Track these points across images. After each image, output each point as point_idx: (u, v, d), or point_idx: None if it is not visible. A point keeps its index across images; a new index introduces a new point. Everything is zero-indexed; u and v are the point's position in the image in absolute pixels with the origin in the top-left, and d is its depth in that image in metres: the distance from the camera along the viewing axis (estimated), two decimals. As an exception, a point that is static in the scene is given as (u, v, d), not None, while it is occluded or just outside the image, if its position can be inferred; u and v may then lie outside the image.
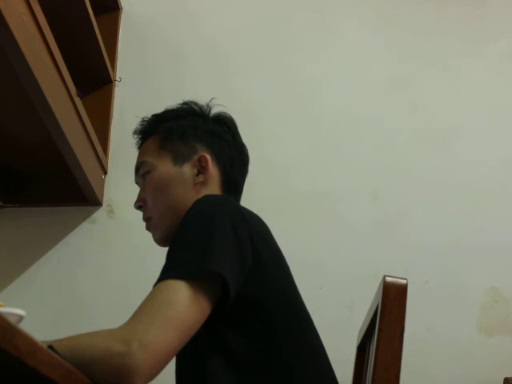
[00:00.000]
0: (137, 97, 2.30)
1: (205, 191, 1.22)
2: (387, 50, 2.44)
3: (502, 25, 2.48)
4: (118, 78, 2.31)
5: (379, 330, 1.00)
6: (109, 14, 2.36)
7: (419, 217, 2.23)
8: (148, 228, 1.27)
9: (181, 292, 0.94)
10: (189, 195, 1.21)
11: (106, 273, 2.11)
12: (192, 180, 1.23)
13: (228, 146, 1.29)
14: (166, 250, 1.06)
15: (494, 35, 2.46)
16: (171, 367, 1.05)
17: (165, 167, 1.24)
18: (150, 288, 0.97)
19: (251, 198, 1.44)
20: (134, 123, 1.35)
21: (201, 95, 1.36)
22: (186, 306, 0.93)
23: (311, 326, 1.15)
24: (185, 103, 1.33)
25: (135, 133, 1.34)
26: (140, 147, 1.33)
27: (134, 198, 1.29)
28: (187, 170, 1.24)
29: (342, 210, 2.22)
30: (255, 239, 1.07)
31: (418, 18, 2.47)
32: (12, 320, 0.61)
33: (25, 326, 0.62)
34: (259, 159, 1.65)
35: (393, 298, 1.01)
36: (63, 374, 0.69)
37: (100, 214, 2.18)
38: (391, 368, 0.97)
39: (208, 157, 1.25)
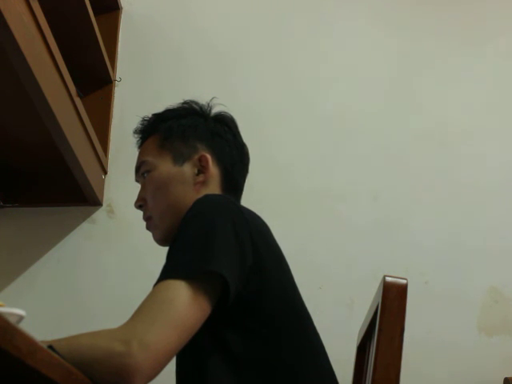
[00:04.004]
0: (137, 97, 2.30)
1: (205, 191, 1.22)
2: (387, 50, 2.44)
3: (502, 24, 2.48)
4: (118, 78, 2.31)
5: (379, 330, 1.00)
6: (109, 14, 2.36)
7: (419, 217, 2.23)
8: (148, 227, 1.27)
9: (181, 292, 0.94)
10: (189, 195, 1.21)
11: (105, 273, 2.11)
12: (192, 180, 1.23)
13: (228, 145, 1.29)
14: (166, 249, 1.06)
15: (494, 35, 2.45)
16: (171, 367, 1.05)
17: (165, 167, 1.24)
18: (150, 288, 0.97)
19: (251, 198, 1.44)
20: (134, 123, 1.35)
21: (201, 95, 1.36)
22: (186, 305, 0.93)
23: (311, 325, 1.15)
24: (185, 102, 1.33)
25: (135, 132, 1.34)
26: (140, 146, 1.33)
27: (134, 198, 1.29)
28: (187, 169, 1.24)
29: (343, 210, 2.22)
30: (256, 239, 1.07)
31: (417, 17, 2.47)
32: (12, 320, 0.61)
33: (25, 326, 0.62)
34: (259, 159, 1.64)
35: (393, 298, 1.01)
36: (63, 373, 0.69)
37: (100, 214, 2.18)
38: (391, 368, 0.97)
39: (208, 156, 1.25)
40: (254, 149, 1.37)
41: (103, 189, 2.19)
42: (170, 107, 1.33)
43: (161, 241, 1.26)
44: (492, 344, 2.10)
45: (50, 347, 0.81)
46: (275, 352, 1.05)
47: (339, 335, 1.90)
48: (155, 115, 1.33)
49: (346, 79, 2.39)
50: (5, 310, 0.77)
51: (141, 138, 1.33)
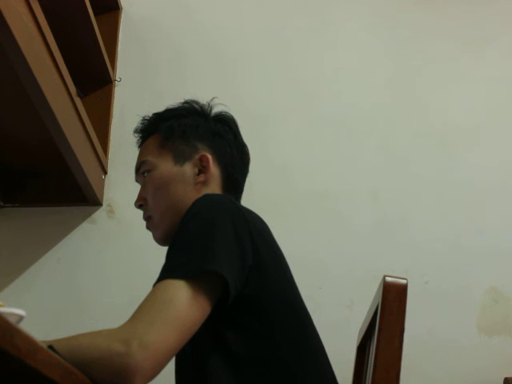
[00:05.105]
0: (137, 97, 2.30)
1: (205, 191, 1.22)
2: (387, 50, 2.44)
3: (502, 25, 2.48)
4: (118, 78, 2.31)
5: (379, 329, 0.99)
6: (109, 14, 2.36)
7: (419, 217, 2.23)
8: (148, 227, 1.27)
9: (181, 292, 0.94)
10: (189, 195, 1.21)
11: (105, 273, 2.11)
12: (193, 179, 1.23)
13: (229, 145, 1.29)
14: (166, 249, 1.06)
15: (494, 35, 2.45)
16: (171, 367, 1.05)
17: (165, 166, 1.24)
18: (149, 288, 0.97)
19: (251, 198, 1.44)
20: (134, 123, 1.35)
21: (201, 95, 1.36)
22: (186, 305, 0.93)
23: (311, 326, 1.15)
24: (186, 102, 1.33)
25: (136, 131, 1.34)
26: (141, 146, 1.33)
27: (134, 198, 1.29)
28: (188, 169, 1.24)
29: (342, 210, 2.22)
30: (255, 239, 1.07)
31: (418, 18, 2.47)
32: (12, 320, 0.61)
33: (25, 326, 0.62)
34: (260, 159, 1.64)
35: (393, 298, 1.01)
36: (63, 373, 0.69)
37: (100, 214, 2.18)
38: (391, 368, 0.97)
39: (209, 156, 1.25)
40: (254, 149, 1.37)
41: (103, 189, 2.19)
42: (171, 107, 1.33)
43: (161, 240, 1.26)
44: (492, 344, 2.10)
45: (50, 347, 0.81)
46: (275, 351, 1.05)
47: (339, 335, 1.90)
48: (156, 114, 1.33)
49: (346, 79, 2.39)
50: (5, 309, 0.77)
51: (141, 137, 1.33)
